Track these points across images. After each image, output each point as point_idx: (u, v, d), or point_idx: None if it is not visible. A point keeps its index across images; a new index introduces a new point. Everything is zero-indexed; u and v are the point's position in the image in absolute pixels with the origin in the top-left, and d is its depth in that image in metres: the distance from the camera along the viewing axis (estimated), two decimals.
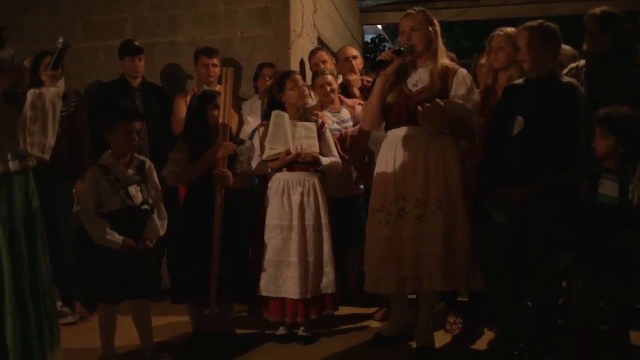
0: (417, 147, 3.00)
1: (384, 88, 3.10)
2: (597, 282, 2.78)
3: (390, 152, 3.07)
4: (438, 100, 2.90)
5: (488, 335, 3.30)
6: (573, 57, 3.69)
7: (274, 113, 3.36)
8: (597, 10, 3.19)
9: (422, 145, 3.00)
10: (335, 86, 4.01)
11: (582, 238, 2.74)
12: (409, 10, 3.11)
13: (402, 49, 2.99)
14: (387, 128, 3.18)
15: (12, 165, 2.39)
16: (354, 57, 4.45)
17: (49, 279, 2.56)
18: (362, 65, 4.64)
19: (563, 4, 7.37)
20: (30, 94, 2.43)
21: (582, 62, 3.38)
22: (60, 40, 2.49)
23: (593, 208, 2.77)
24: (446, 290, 3.08)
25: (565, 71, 3.41)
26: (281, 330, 3.35)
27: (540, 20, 2.91)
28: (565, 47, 3.73)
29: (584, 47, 3.26)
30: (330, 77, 3.97)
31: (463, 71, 3.08)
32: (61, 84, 2.51)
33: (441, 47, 3.10)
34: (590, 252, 2.74)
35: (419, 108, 2.90)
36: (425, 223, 2.94)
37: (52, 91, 2.47)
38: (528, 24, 2.89)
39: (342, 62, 4.49)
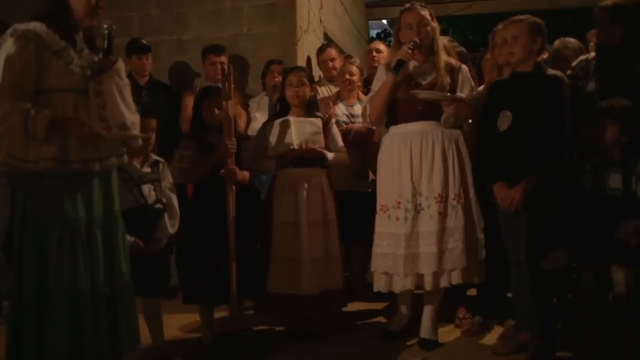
0: (434, 141, 3.01)
1: (395, 85, 3.06)
2: (605, 275, 2.76)
3: (404, 148, 3.04)
4: (458, 94, 3.00)
5: (497, 330, 3.29)
6: (579, 50, 3.66)
7: (281, 119, 3.36)
8: (608, 2, 3.15)
9: (439, 140, 3.02)
10: (355, 79, 4.02)
11: (585, 231, 2.73)
12: (412, 5, 3.10)
13: (413, 44, 2.99)
14: (393, 123, 3.15)
15: (92, 166, 2.37)
16: (377, 51, 4.39)
17: (129, 281, 2.50)
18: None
19: None
20: (91, 85, 2.39)
21: (592, 54, 3.35)
22: (105, 25, 2.46)
23: (596, 200, 2.75)
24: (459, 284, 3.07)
25: (574, 64, 3.39)
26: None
27: (527, 15, 2.92)
28: (571, 41, 3.70)
29: (594, 39, 3.23)
30: (354, 69, 4.00)
31: (465, 68, 3.19)
32: (119, 65, 2.48)
33: (442, 42, 3.15)
34: (596, 244, 2.71)
35: (420, 95, 2.94)
36: (447, 218, 2.98)
37: (111, 73, 2.44)
38: (515, 17, 2.92)
39: (367, 55, 4.46)
